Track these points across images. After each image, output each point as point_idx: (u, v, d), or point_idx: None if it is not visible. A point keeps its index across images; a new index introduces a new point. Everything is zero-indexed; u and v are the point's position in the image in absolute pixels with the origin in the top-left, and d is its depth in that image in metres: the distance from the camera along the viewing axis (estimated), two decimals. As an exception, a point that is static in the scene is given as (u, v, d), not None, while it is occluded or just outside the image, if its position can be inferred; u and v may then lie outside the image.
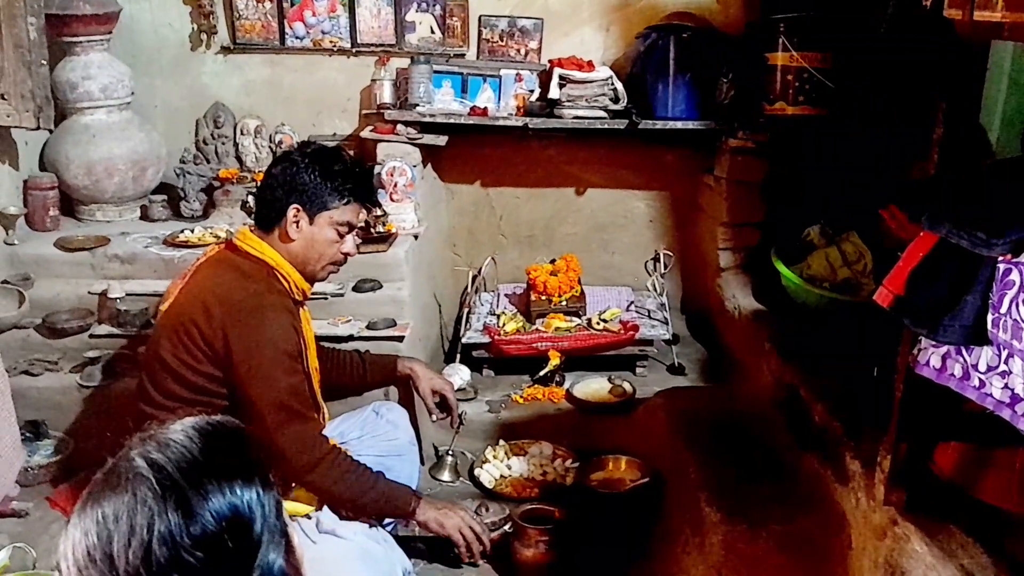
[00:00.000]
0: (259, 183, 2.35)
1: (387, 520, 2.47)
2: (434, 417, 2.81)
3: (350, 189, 2.28)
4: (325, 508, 2.22)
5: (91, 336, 3.04)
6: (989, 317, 1.51)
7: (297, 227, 2.25)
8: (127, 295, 3.06)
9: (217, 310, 2.16)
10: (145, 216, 3.61)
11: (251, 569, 0.95)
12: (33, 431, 2.76)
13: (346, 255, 2.36)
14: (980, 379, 1.56)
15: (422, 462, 2.93)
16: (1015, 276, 1.46)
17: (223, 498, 0.95)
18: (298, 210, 2.24)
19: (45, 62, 3.15)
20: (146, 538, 0.91)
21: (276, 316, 2.18)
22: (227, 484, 0.96)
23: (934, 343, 1.64)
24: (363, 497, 2.23)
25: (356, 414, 2.63)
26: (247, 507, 0.96)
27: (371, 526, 2.27)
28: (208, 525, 0.93)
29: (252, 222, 2.42)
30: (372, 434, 2.30)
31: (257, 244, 2.27)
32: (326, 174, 2.25)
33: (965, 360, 1.59)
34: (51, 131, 3.40)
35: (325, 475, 2.17)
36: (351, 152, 2.54)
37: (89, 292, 3.13)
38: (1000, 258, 1.49)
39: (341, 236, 2.31)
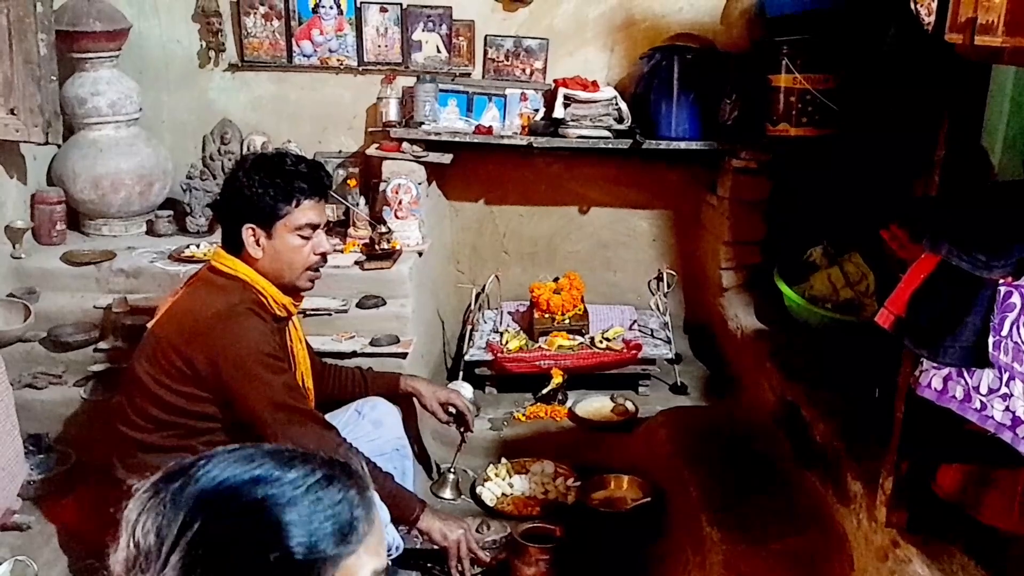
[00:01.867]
0: (217, 209, 2.33)
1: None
2: (452, 425, 2.82)
3: (297, 188, 2.20)
4: None
5: (95, 350, 3.05)
6: (990, 339, 1.52)
7: (257, 245, 2.21)
8: (132, 309, 3.07)
9: (194, 328, 2.16)
10: (151, 231, 3.63)
11: None
12: (36, 444, 2.76)
13: (322, 254, 2.29)
14: (981, 401, 1.56)
15: (432, 473, 2.93)
16: (1016, 299, 1.47)
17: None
18: (252, 229, 2.20)
19: (55, 78, 3.18)
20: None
21: (249, 321, 2.17)
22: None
23: (935, 365, 1.64)
24: None
25: (338, 414, 2.58)
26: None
27: None
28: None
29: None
30: (353, 436, 2.29)
31: (231, 262, 2.24)
32: (267, 183, 2.19)
33: (966, 382, 1.59)
34: (59, 146, 3.42)
35: None
36: (297, 153, 2.47)
37: (94, 306, 3.14)
38: (1001, 280, 1.50)
39: (306, 239, 2.24)
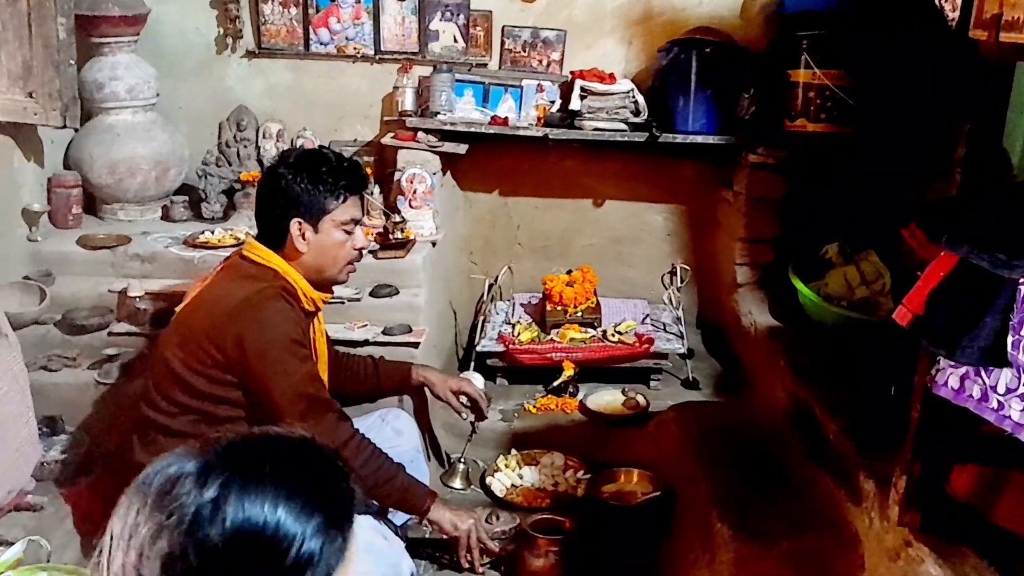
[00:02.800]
0: (257, 203, 2.35)
1: (400, 521, 2.49)
2: (464, 415, 2.84)
3: (343, 186, 2.27)
4: None
5: (110, 334, 3.07)
6: (1009, 339, 1.50)
7: (303, 239, 2.26)
8: (146, 294, 3.08)
9: (224, 312, 2.18)
10: (166, 216, 3.64)
11: None
12: (50, 426, 2.78)
13: (360, 250, 2.36)
14: (999, 401, 1.55)
15: (442, 465, 2.94)
16: (1036, 299, 1.45)
17: (260, 511, 0.90)
18: (300, 223, 2.25)
19: (73, 62, 3.19)
20: (172, 506, 0.89)
21: (279, 306, 2.19)
22: (278, 502, 0.91)
23: (952, 364, 1.63)
24: (385, 484, 2.25)
25: (361, 420, 2.63)
26: (286, 536, 0.90)
27: (379, 519, 2.29)
28: (227, 527, 0.89)
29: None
30: (376, 441, 2.32)
31: (264, 253, 2.28)
32: (315, 179, 2.24)
33: (984, 382, 1.58)
34: (76, 130, 3.44)
35: (351, 458, 2.20)
36: (335, 151, 2.53)
37: (109, 290, 3.15)
38: (1020, 280, 1.48)
39: (349, 233, 2.31)
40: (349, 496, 1.00)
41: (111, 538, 0.90)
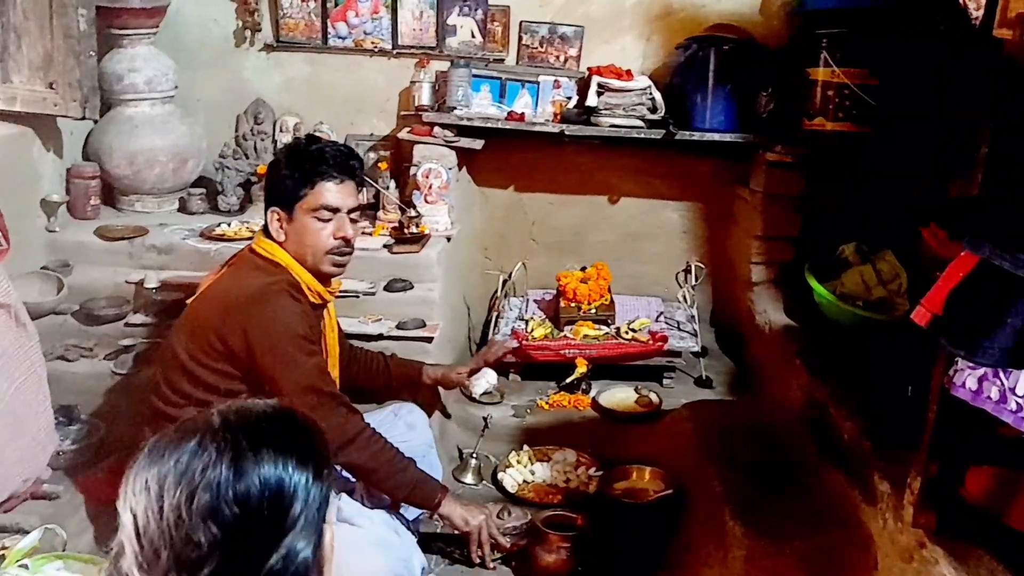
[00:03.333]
0: None
1: (413, 516, 2.49)
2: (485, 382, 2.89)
3: (314, 170, 2.20)
4: (344, 497, 2.24)
5: (126, 324, 3.08)
6: (1029, 341, 1.49)
7: (280, 228, 2.24)
8: (162, 285, 3.10)
9: (231, 305, 2.18)
10: (183, 208, 3.66)
11: (278, 545, 1.00)
12: (66, 415, 2.79)
13: (344, 239, 2.26)
14: (1018, 403, 1.54)
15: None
16: (1057, 300, 1.44)
17: (274, 469, 1.02)
18: (276, 212, 2.23)
19: (94, 53, 3.21)
20: (197, 481, 0.99)
21: (285, 302, 2.19)
22: (283, 459, 1.03)
23: (971, 365, 1.62)
24: (395, 477, 2.26)
25: (374, 414, 2.63)
26: (292, 486, 1.02)
27: (392, 513, 2.29)
28: (252, 487, 1.00)
29: None
30: (387, 435, 2.33)
31: (271, 247, 2.27)
32: (291, 165, 2.22)
33: (1003, 383, 1.57)
34: (96, 121, 3.46)
35: (362, 450, 2.20)
36: (356, 147, 2.50)
37: (126, 281, 3.17)
38: (1042, 281, 1.47)
39: (325, 221, 2.23)
40: (325, 448, 1.12)
41: (134, 513, 1.00)
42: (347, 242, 2.28)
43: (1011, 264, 1.48)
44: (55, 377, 2.72)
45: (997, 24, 1.57)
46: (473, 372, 2.86)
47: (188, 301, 2.35)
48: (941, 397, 1.74)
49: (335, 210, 2.24)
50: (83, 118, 3.26)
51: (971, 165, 1.77)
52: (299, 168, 2.21)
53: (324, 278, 2.34)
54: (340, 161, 2.25)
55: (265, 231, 2.31)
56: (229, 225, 3.42)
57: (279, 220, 2.24)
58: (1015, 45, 1.53)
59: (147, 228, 3.38)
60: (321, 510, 1.05)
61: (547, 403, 3.25)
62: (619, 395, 3.26)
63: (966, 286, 1.58)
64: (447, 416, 3.01)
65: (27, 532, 2.24)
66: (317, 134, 3.70)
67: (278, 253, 2.26)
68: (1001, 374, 1.57)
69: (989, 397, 1.59)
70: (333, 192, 2.23)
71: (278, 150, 2.39)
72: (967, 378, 1.64)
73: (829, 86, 3.10)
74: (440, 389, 2.94)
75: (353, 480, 2.37)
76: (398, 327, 3.07)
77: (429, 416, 2.85)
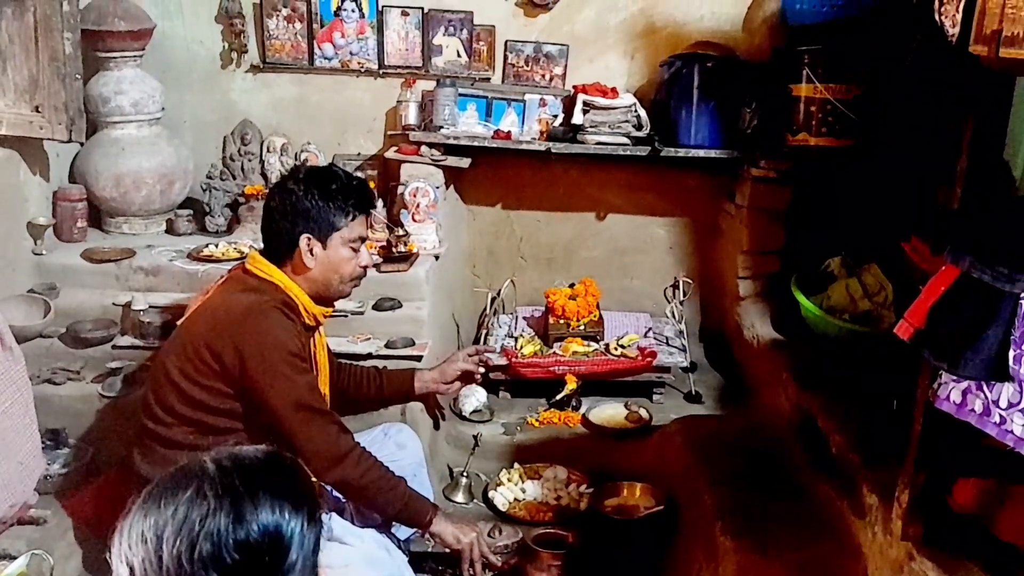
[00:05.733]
0: (264, 217, 2.35)
1: (404, 535, 2.48)
2: (477, 376, 2.82)
3: (353, 204, 2.30)
4: (335, 516, 2.24)
5: (114, 347, 3.07)
6: (1011, 353, 1.51)
7: (312, 255, 2.28)
8: (150, 307, 3.09)
9: (224, 323, 2.19)
10: (171, 230, 3.66)
11: None
12: (53, 439, 2.78)
13: (364, 268, 2.39)
14: (1001, 415, 1.55)
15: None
16: (1037, 312, 1.46)
17: (271, 515, 1.04)
18: (309, 238, 2.27)
19: (79, 76, 3.21)
20: (197, 530, 1.00)
21: (278, 319, 2.21)
22: (279, 504, 1.05)
23: (954, 378, 1.63)
24: (386, 495, 2.26)
25: (365, 434, 2.64)
26: (290, 531, 1.04)
27: (382, 532, 2.29)
28: (252, 534, 1.02)
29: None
30: (378, 455, 2.33)
31: (266, 267, 2.29)
32: (326, 195, 2.27)
33: (986, 396, 1.58)
34: (82, 144, 3.46)
35: (353, 469, 2.20)
36: (344, 167, 2.56)
37: (113, 303, 3.17)
38: (1022, 294, 1.49)
39: (355, 251, 2.34)
40: (314, 491, 1.15)
41: (131, 565, 1.02)
42: (365, 270, 2.40)
43: (991, 277, 1.50)
44: (42, 401, 2.71)
45: (973, 41, 1.59)
46: (449, 382, 2.81)
47: (179, 322, 2.36)
48: (926, 410, 1.75)
49: (364, 240, 2.37)
50: (69, 141, 3.26)
51: (951, 179, 1.79)
52: (337, 200, 2.28)
53: (330, 302, 2.39)
54: (368, 195, 2.40)
55: (268, 253, 2.32)
56: (217, 246, 3.42)
57: (310, 246, 2.27)
58: (990, 61, 1.55)
59: (134, 250, 3.38)
60: (315, 552, 1.08)
61: (537, 420, 3.25)
62: (609, 411, 3.27)
63: (948, 299, 1.60)
64: (443, 418, 2.98)
65: (14, 558, 2.23)
66: (306, 154, 3.75)
67: (275, 274, 2.28)
68: (984, 387, 1.58)
69: (973, 410, 1.60)
70: (364, 225, 2.36)
71: (292, 173, 2.39)
72: (951, 391, 1.65)
73: (812, 102, 3.13)
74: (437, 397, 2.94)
75: (344, 500, 2.36)
76: (387, 346, 3.07)
77: (435, 419, 2.84)
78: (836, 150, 3.14)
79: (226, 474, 1.05)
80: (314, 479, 2.23)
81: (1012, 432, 1.53)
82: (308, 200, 2.26)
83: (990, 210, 1.74)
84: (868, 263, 3.08)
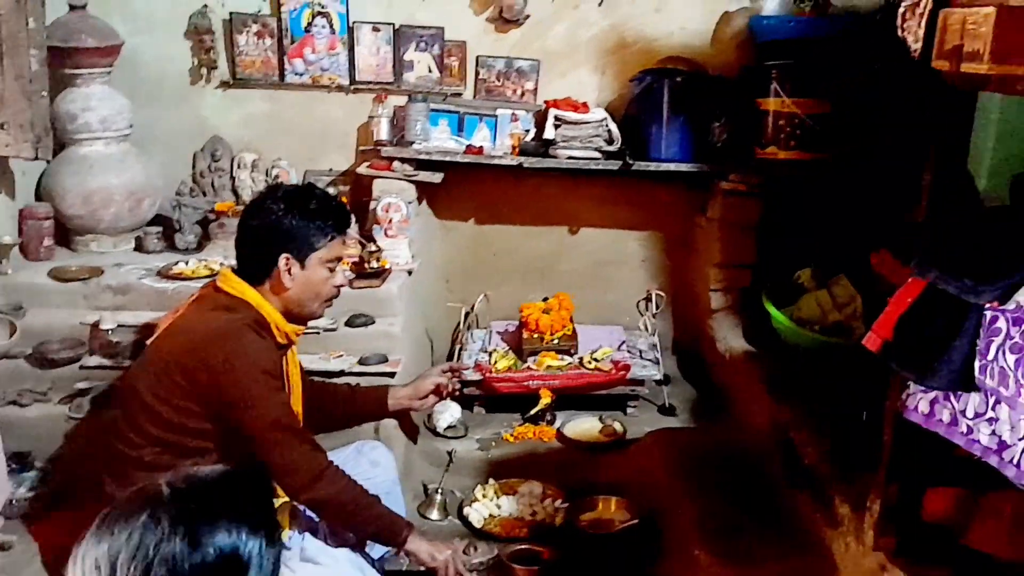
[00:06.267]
0: (239, 236, 2.32)
1: (378, 554, 2.46)
2: (450, 389, 2.83)
3: (332, 225, 2.30)
4: (308, 536, 2.22)
5: (82, 367, 3.02)
6: (976, 363, 1.52)
7: (290, 275, 2.26)
8: (119, 326, 3.05)
9: (196, 342, 2.16)
10: (140, 247, 3.62)
11: None
12: (19, 462, 2.73)
13: (339, 287, 2.38)
14: (968, 425, 1.57)
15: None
16: (1001, 323, 1.48)
17: (228, 538, 1.02)
18: (288, 258, 2.25)
19: (46, 93, 3.17)
20: (151, 556, 0.98)
21: (251, 338, 2.19)
22: (236, 527, 1.03)
23: (923, 388, 1.65)
24: (360, 514, 2.24)
25: (338, 452, 2.61)
26: (247, 553, 1.03)
27: (356, 551, 2.26)
28: (208, 558, 1.00)
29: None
30: (351, 473, 2.31)
31: (238, 285, 2.27)
32: (306, 215, 2.26)
33: (953, 406, 1.60)
34: (48, 161, 3.41)
35: (327, 487, 2.18)
36: (316, 183, 2.56)
37: (81, 323, 3.11)
38: (987, 305, 1.51)
39: (332, 271, 2.33)
40: (274, 511, 1.15)
41: None
42: (339, 290, 2.39)
43: (956, 288, 1.52)
44: (8, 423, 2.67)
45: (935, 56, 1.62)
46: (423, 398, 2.81)
47: (148, 341, 2.33)
48: (896, 420, 1.77)
49: (340, 260, 2.37)
50: (35, 158, 3.21)
51: (918, 191, 1.81)
52: (315, 220, 2.27)
53: (303, 321, 2.38)
54: (346, 216, 2.41)
55: (241, 271, 2.30)
56: (187, 263, 3.38)
57: (288, 266, 2.26)
58: (952, 76, 1.57)
59: (102, 268, 3.33)
60: (275, 574, 1.06)
61: (512, 435, 3.24)
62: (584, 425, 3.27)
63: (915, 311, 1.62)
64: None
65: (-22, 585, 2.18)
66: (277, 170, 3.73)
67: (248, 292, 2.26)
68: (951, 397, 1.60)
69: (941, 420, 1.62)
70: (341, 245, 2.36)
71: (269, 192, 2.37)
72: (919, 401, 1.67)
73: (780, 116, 3.17)
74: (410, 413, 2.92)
75: (317, 519, 2.34)
76: (360, 362, 3.05)
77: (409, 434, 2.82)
78: (805, 163, 3.18)
79: (181, 497, 1.03)
80: (286, 498, 2.21)
81: (979, 442, 1.55)
82: (288, 219, 2.25)
83: (955, 222, 1.76)
84: (837, 274, 3.11)
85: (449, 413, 3.23)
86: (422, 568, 2.39)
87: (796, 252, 3.28)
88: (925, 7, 1.67)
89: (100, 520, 1.02)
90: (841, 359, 2.72)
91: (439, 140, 3.61)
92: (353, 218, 3.51)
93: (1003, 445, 1.50)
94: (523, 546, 2.64)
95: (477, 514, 2.92)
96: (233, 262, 2.36)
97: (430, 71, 3.69)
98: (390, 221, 3.46)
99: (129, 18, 3.66)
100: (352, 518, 2.25)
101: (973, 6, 1.53)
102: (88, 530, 1.02)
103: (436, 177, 3.56)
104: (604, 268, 3.93)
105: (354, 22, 3.65)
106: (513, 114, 3.63)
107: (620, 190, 3.77)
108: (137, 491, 1.06)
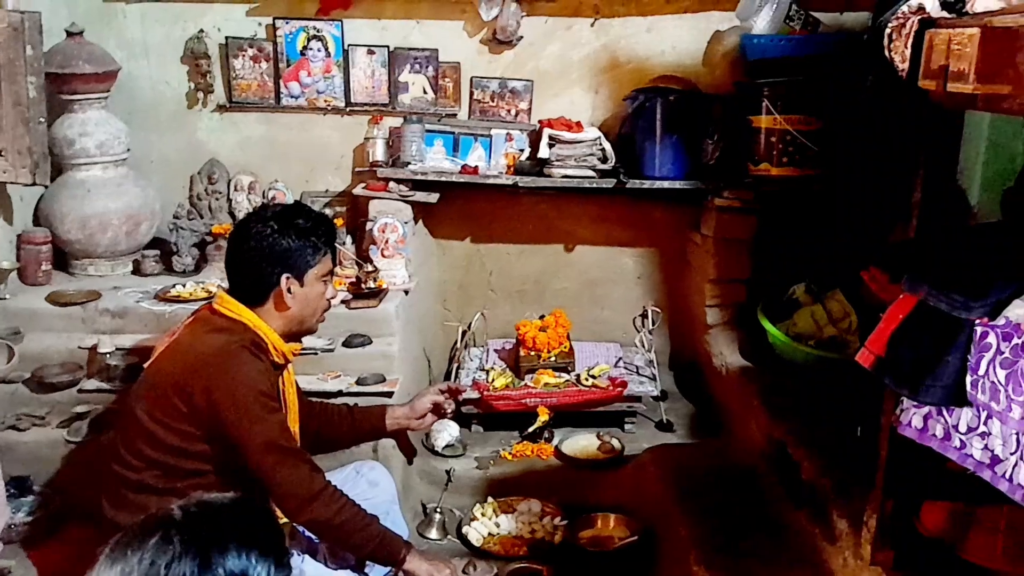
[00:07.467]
0: (233, 260, 2.33)
1: (376, 575, 2.46)
2: (448, 410, 2.79)
3: (323, 240, 2.34)
4: (307, 558, 2.22)
5: (80, 391, 3.03)
6: (968, 379, 1.54)
7: (291, 294, 2.29)
8: (117, 350, 3.06)
9: (193, 364, 2.17)
10: (138, 271, 3.63)
11: None
12: (18, 487, 2.73)
13: (331, 299, 2.42)
14: (961, 440, 1.58)
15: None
16: (992, 339, 1.49)
17: (238, 561, 1.05)
18: (288, 278, 2.28)
19: (43, 119, 3.20)
20: (163, 575, 1.01)
21: (248, 359, 2.20)
22: (246, 550, 1.06)
23: (916, 404, 1.66)
24: (359, 534, 2.24)
25: (336, 473, 2.62)
26: (248, 573, 1.05)
27: (356, 572, 2.26)
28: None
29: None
30: (350, 493, 2.32)
31: (235, 306, 2.28)
32: (300, 234, 2.29)
33: (946, 421, 1.61)
34: (46, 186, 3.43)
35: (325, 508, 2.18)
36: (312, 204, 2.58)
37: (79, 347, 3.13)
38: (977, 321, 1.53)
39: (326, 284, 2.37)
40: (283, 537, 1.17)
41: None
42: (330, 303, 2.43)
43: (947, 305, 1.54)
44: (6, 447, 2.67)
45: (922, 76, 1.65)
46: (421, 417, 2.80)
47: (145, 364, 2.33)
48: (891, 435, 1.78)
49: (332, 273, 2.41)
50: (33, 184, 3.23)
51: (909, 207, 1.83)
52: (309, 238, 2.31)
53: (299, 338, 2.42)
54: (332, 230, 2.44)
55: (237, 293, 2.31)
56: (184, 286, 3.39)
57: (288, 285, 2.28)
58: (939, 95, 1.60)
59: (100, 292, 3.34)
60: None
61: (510, 453, 3.25)
62: (582, 442, 3.27)
63: (907, 327, 1.63)
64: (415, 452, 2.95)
65: (-22, 611, 2.18)
66: (274, 192, 3.75)
67: (244, 313, 2.28)
68: (944, 412, 1.61)
69: (934, 435, 1.63)
70: (331, 259, 2.39)
71: (259, 213, 2.39)
72: (913, 417, 1.68)
73: (772, 133, 3.20)
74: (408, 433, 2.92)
75: (316, 540, 2.34)
76: (358, 383, 3.06)
77: (408, 455, 2.84)
78: (797, 179, 3.20)
79: (193, 520, 1.05)
80: (285, 520, 2.21)
81: (972, 456, 1.56)
82: (285, 240, 2.28)
83: (947, 238, 1.78)
84: (832, 289, 3.13)
85: (447, 432, 3.23)
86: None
87: (790, 267, 3.30)
88: (911, 28, 1.70)
89: (114, 543, 1.05)
90: (837, 373, 2.74)
91: (434, 160, 3.64)
92: (349, 239, 3.57)
93: (996, 459, 1.51)
94: (522, 564, 2.65)
95: (476, 533, 2.92)
96: (217, 292, 2.38)
97: (425, 92, 3.73)
98: (387, 241, 3.48)
99: (125, 44, 3.70)
100: (350, 539, 2.25)
101: (958, 27, 1.55)
102: (101, 553, 1.04)
103: (432, 197, 3.59)
104: (600, 285, 3.95)
105: (349, 45, 3.69)
106: (508, 134, 3.66)
107: (615, 208, 3.80)
108: (151, 515, 1.08)
